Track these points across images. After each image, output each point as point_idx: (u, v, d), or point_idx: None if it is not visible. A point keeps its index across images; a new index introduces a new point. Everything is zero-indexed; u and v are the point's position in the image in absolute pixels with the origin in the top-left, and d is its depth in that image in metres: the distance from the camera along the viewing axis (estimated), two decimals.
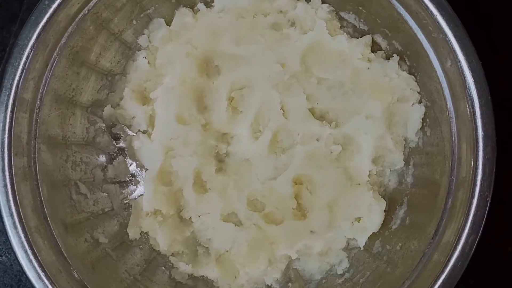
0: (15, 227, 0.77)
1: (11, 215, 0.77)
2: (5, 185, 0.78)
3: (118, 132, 0.96)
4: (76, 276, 0.80)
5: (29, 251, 0.77)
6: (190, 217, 0.93)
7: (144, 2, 0.92)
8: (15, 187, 0.78)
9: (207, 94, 0.94)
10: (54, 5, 0.80)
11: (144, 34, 0.96)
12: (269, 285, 0.92)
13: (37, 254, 0.77)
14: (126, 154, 0.97)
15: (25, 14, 1.02)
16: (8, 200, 0.77)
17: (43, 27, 0.80)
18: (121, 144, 0.97)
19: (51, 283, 0.76)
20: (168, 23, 0.95)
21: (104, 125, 0.95)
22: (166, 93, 0.92)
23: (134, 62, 0.96)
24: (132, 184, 0.97)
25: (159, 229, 0.92)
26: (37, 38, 0.80)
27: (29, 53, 0.79)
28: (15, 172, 0.78)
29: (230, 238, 0.91)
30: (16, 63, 0.79)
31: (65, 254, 0.81)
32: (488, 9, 1.00)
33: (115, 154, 0.97)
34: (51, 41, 0.82)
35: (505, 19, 1.01)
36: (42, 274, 0.76)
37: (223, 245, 0.92)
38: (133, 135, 0.96)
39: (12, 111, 0.79)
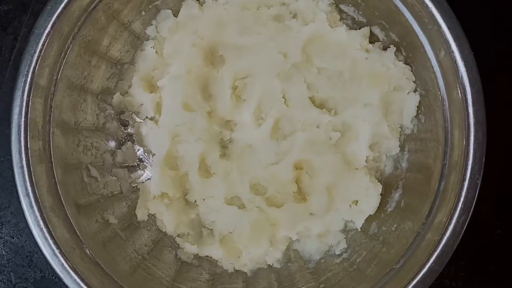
0: (31, 207, 0.78)
1: (28, 195, 0.78)
2: (22, 167, 0.79)
3: (126, 119, 0.98)
4: (89, 253, 0.82)
5: (44, 229, 0.78)
6: (195, 200, 0.94)
7: None
8: (31, 168, 0.79)
9: (212, 82, 0.94)
10: None
11: (152, 25, 0.97)
12: (271, 264, 0.93)
13: (52, 232, 0.78)
14: (134, 140, 0.98)
15: (36, 5, 1.02)
16: (24, 181, 0.79)
17: (58, 16, 0.80)
18: (130, 130, 0.98)
19: (65, 259, 0.78)
20: (175, 14, 0.96)
21: (113, 111, 0.96)
22: (172, 82, 0.93)
23: (142, 51, 0.97)
24: (140, 168, 0.98)
25: (165, 211, 0.93)
26: (52, 26, 0.80)
27: (44, 41, 0.80)
28: (31, 155, 0.80)
29: (234, 220, 0.92)
30: (32, 51, 0.80)
31: (78, 233, 0.82)
32: (481, 1, 1.01)
33: (123, 139, 0.98)
34: (65, 30, 0.83)
35: (498, 10, 1.01)
36: (57, 251, 0.78)
37: (226, 227, 0.93)
38: (141, 122, 0.97)
39: (28, 96, 0.80)
